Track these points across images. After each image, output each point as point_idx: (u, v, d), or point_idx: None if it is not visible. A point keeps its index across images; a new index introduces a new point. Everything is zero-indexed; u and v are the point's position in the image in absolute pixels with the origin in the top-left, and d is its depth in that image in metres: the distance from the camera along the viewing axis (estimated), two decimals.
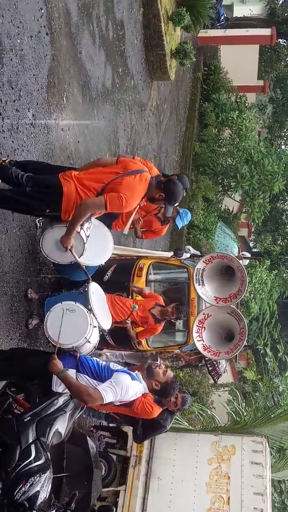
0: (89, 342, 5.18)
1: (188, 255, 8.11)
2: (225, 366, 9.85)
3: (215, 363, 8.79)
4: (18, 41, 5.57)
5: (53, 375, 4.74)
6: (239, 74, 19.75)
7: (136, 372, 5.15)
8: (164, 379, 5.19)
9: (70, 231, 4.99)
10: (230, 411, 10.65)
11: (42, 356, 5.15)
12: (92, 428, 8.63)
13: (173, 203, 5.46)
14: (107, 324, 5.87)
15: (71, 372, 4.76)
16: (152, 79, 11.90)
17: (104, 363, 5.03)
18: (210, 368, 8.76)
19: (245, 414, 10.35)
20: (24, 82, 5.74)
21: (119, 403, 4.98)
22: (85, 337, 5.10)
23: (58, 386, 4.77)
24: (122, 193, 4.86)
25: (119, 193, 4.86)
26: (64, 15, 6.87)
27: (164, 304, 6.83)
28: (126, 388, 4.70)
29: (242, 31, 19.98)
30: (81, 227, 5.16)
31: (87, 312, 5.27)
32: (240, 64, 20.16)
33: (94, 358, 5.15)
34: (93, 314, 5.44)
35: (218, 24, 21.53)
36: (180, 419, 8.85)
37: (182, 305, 6.91)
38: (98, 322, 5.48)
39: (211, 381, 14.93)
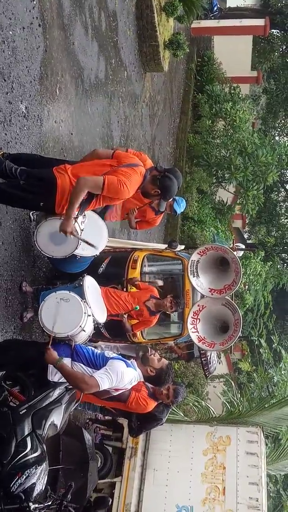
0: (84, 331, 5.19)
1: (182, 247, 8.12)
2: (216, 365, 9.95)
3: (205, 360, 8.87)
4: (10, 32, 5.53)
5: (48, 365, 4.77)
6: (233, 65, 19.70)
7: (132, 360, 5.18)
8: (159, 365, 5.25)
9: (69, 212, 4.85)
10: (225, 402, 10.71)
11: (37, 346, 5.16)
12: (88, 421, 8.66)
13: (168, 199, 5.46)
14: (102, 318, 5.88)
15: (66, 361, 4.79)
16: (146, 71, 11.86)
17: (99, 351, 5.05)
18: (204, 362, 8.80)
19: (239, 404, 10.40)
20: (17, 74, 5.71)
21: (115, 393, 5.01)
22: (80, 326, 5.11)
23: (53, 376, 4.80)
24: (120, 178, 4.86)
25: (117, 177, 4.85)
26: (56, 6, 6.82)
27: (158, 296, 6.84)
28: (121, 374, 4.73)
29: (236, 22, 19.90)
30: (75, 220, 5.15)
31: (82, 301, 5.28)
32: (233, 55, 20.11)
33: (89, 346, 5.17)
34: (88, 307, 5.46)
35: (211, 15, 21.42)
36: (176, 410, 8.89)
37: (178, 297, 6.93)
38: (93, 314, 5.48)
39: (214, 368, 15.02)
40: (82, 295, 5.48)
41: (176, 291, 7.73)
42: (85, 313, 5.20)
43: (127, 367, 4.92)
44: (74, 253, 5.53)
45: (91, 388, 4.59)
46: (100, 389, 4.62)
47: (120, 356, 5.07)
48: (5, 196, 5.07)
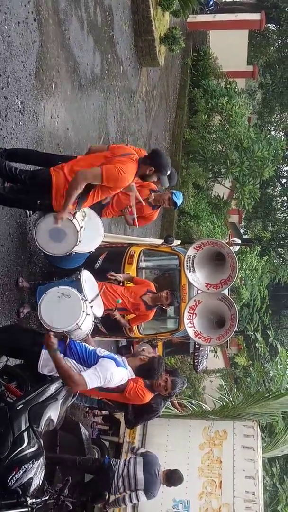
0: (80, 329, 5.19)
1: (178, 242, 8.13)
2: (205, 365, 10.13)
3: (197, 357, 8.98)
4: (5, 27, 5.51)
5: (40, 356, 4.79)
6: (229, 60, 19.65)
7: (122, 358, 5.19)
8: (150, 354, 5.30)
9: (66, 204, 4.98)
10: (218, 400, 10.71)
11: (32, 336, 5.16)
12: (87, 409, 8.61)
13: (165, 172, 5.50)
14: (99, 312, 5.89)
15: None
16: (141, 65, 11.83)
17: (91, 348, 5.06)
18: (195, 355, 8.91)
19: (237, 402, 10.41)
20: (12, 69, 5.69)
21: (106, 388, 5.04)
22: (77, 323, 5.11)
23: (44, 368, 4.83)
24: (117, 166, 4.94)
25: (115, 165, 4.93)
26: (52, 0, 6.79)
27: (155, 291, 6.84)
28: (110, 375, 4.76)
29: (231, 16, 19.89)
30: (73, 217, 5.17)
31: (82, 299, 5.29)
32: (229, 49, 20.07)
33: (83, 343, 5.18)
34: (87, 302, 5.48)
35: (207, 9, 21.38)
36: (170, 407, 8.90)
37: (174, 290, 6.92)
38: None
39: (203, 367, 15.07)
40: (79, 289, 5.49)
41: (172, 286, 7.74)
42: (83, 311, 5.20)
43: (117, 366, 4.93)
44: None
45: (78, 387, 4.63)
46: (88, 388, 4.64)
47: (111, 355, 5.07)
48: (3, 200, 5.16)
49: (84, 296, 5.45)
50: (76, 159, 5.32)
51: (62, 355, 4.84)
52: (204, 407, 9.76)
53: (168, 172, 5.66)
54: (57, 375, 4.72)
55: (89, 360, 4.89)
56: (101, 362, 4.82)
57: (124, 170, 4.96)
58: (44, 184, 4.99)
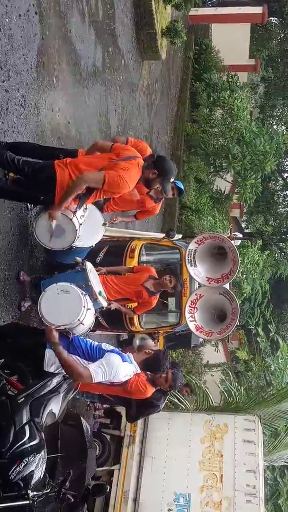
0: (82, 324, 5.19)
1: (180, 236, 8.13)
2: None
3: None
4: (7, 20, 5.49)
5: (45, 356, 4.78)
6: (231, 53, 19.58)
7: (128, 353, 5.19)
8: (156, 348, 5.28)
9: (63, 202, 5.00)
10: (223, 391, 10.72)
11: (35, 337, 5.16)
12: (88, 402, 8.63)
13: (168, 178, 5.52)
14: (104, 302, 5.91)
15: None
16: (143, 59, 11.79)
17: (96, 343, 5.06)
18: None
19: (237, 394, 10.41)
20: (13, 62, 5.68)
21: (110, 384, 5.03)
22: (78, 319, 5.12)
23: (50, 367, 4.81)
24: (120, 173, 4.93)
25: (117, 172, 4.91)
26: None
27: (157, 277, 6.79)
28: (116, 369, 4.75)
29: (234, 9, 19.76)
30: (74, 215, 5.17)
31: (81, 293, 5.29)
32: (231, 43, 19.98)
33: (87, 339, 5.17)
34: (93, 291, 5.53)
35: (209, 2, 21.33)
36: (172, 396, 8.90)
37: (176, 274, 6.87)
38: (96, 301, 5.51)
39: (204, 361, 15.09)
40: (85, 279, 5.50)
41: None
42: (84, 306, 5.20)
43: (123, 361, 4.92)
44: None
45: (83, 379, 4.62)
46: (93, 382, 4.63)
47: (117, 349, 5.07)
48: (6, 192, 5.16)
49: (90, 284, 5.47)
50: (81, 157, 5.32)
51: (65, 351, 4.84)
52: (210, 399, 9.75)
53: (172, 179, 5.67)
54: (64, 372, 4.72)
55: (94, 355, 4.88)
56: (107, 356, 4.81)
57: (127, 178, 4.97)
58: (48, 180, 4.98)
